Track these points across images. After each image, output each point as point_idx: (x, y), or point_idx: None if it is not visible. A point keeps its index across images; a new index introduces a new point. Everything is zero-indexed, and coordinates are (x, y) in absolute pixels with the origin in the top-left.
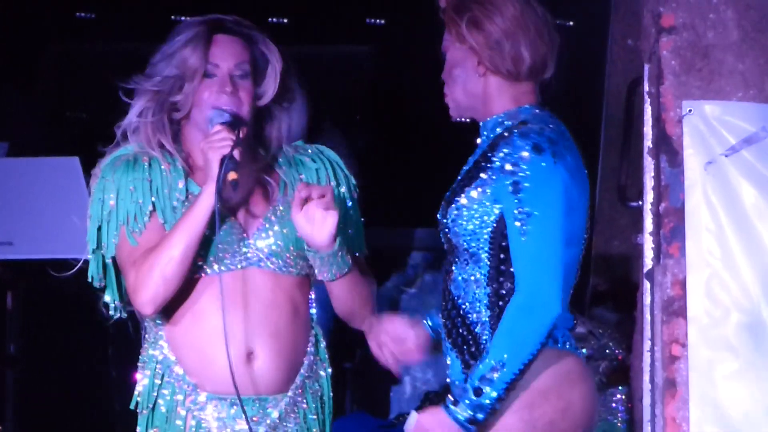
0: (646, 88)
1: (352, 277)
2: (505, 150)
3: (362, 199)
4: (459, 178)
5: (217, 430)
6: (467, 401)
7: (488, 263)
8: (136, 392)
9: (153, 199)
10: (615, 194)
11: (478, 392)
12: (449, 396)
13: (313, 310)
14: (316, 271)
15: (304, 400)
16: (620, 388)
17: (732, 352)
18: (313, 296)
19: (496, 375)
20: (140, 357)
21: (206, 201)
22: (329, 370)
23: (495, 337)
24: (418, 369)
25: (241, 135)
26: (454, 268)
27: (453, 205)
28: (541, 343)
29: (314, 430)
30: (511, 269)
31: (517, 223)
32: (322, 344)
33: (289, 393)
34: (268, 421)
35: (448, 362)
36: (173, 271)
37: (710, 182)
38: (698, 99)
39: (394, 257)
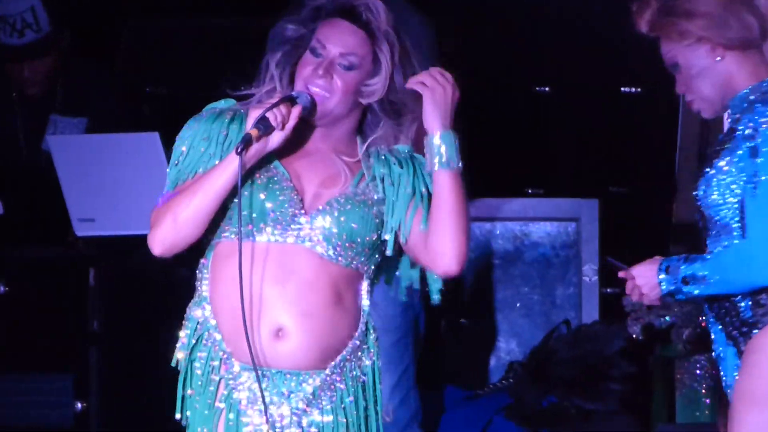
0: None
1: (458, 186)
2: (746, 118)
3: None
4: (709, 152)
5: (247, 401)
6: (675, 280)
7: (739, 233)
8: (176, 349)
9: (222, 154)
10: (695, 162)
11: (685, 281)
12: (666, 264)
13: (366, 302)
14: (427, 163)
15: (342, 381)
16: (704, 355)
17: None
18: (365, 289)
19: (702, 284)
20: (185, 314)
21: (233, 153)
22: (378, 362)
23: (712, 256)
24: (502, 339)
25: (292, 111)
26: (708, 242)
27: (703, 178)
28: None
29: (353, 413)
30: None
31: (751, 185)
32: (373, 335)
33: (326, 371)
34: (302, 395)
35: (713, 336)
36: (185, 216)
37: None
38: None
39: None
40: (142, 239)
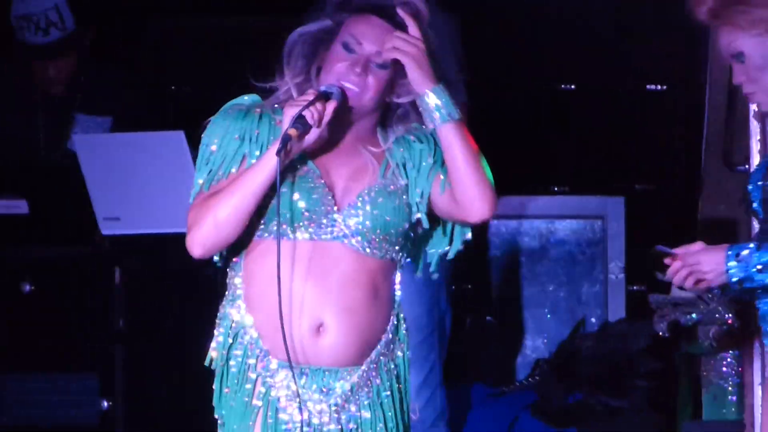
0: None
1: (465, 133)
2: None
3: None
4: None
5: (286, 399)
6: (747, 268)
7: None
8: (210, 348)
9: (257, 153)
10: (721, 158)
11: (759, 269)
12: (736, 252)
13: (398, 293)
14: (426, 121)
15: (378, 376)
16: (730, 352)
17: None
18: (398, 280)
19: None
20: (218, 313)
21: (271, 153)
22: (408, 352)
23: None
24: (528, 337)
25: (327, 107)
26: None
27: None
28: None
29: (390, 407)
30: None
31: None
32: (403, 326)
33: (363, 366)
34: (340, 392)
35: None
36: (226, 216)
37: None
38: None
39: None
40: (167, 238)
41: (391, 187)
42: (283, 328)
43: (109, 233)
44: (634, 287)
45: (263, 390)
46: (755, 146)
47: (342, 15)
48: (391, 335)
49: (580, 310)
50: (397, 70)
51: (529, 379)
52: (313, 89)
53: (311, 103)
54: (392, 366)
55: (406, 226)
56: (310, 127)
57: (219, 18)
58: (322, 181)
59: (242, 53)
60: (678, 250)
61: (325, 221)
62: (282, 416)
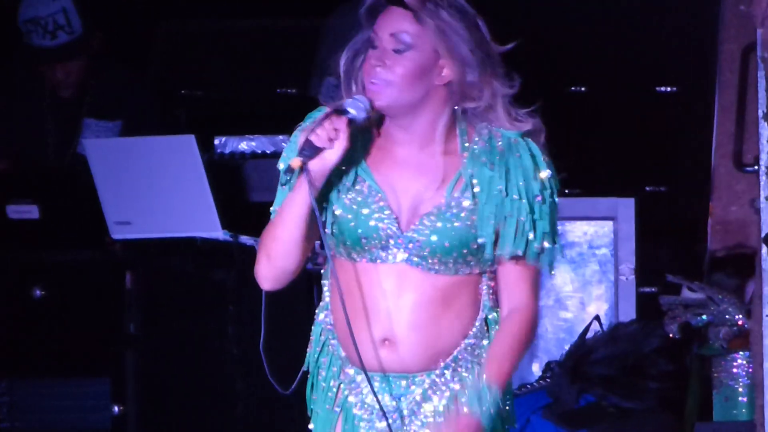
0: (760, 53)
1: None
2: None
3: None
4: None
5: (360, 406)
6: None
7: None
8: (307, 354)
9: None
10: (731, 160)
11: None
12: None
13: (486, 301)
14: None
15: (458, 381)
16: (741, 353)
17: None
18: (485, 288)
19: None
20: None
21: (299, 184)
22: None
23: None
24: (539, 339)
25: (340, 123)
26: None
27: None
28: None
29: (476, 410)
30: None
31: None
32: (495, 329)
33: (437, 371)
34: (411, 398)
35: None
36: (275, 250)
37: None
38: None
39: None
40: (178, 242)
41: (456, 208)
42: (352, 334)
43: (120, 237)
44: (645, 289)
45: (342, 396)
46: (765, 147)
47: (374, 20)
48: (473, 340)
49: (591, 311)
50: (426, 52)
51: (541, 381)
52: (329, 106)
53: (318, 124)
54: (480, 371)
55: (474, 246)
56: (320, 149)
57: (230, 21)
58: (385, 204)
59: (253, 57)
60: None
61: (387, 246)
62: (359, 423)
